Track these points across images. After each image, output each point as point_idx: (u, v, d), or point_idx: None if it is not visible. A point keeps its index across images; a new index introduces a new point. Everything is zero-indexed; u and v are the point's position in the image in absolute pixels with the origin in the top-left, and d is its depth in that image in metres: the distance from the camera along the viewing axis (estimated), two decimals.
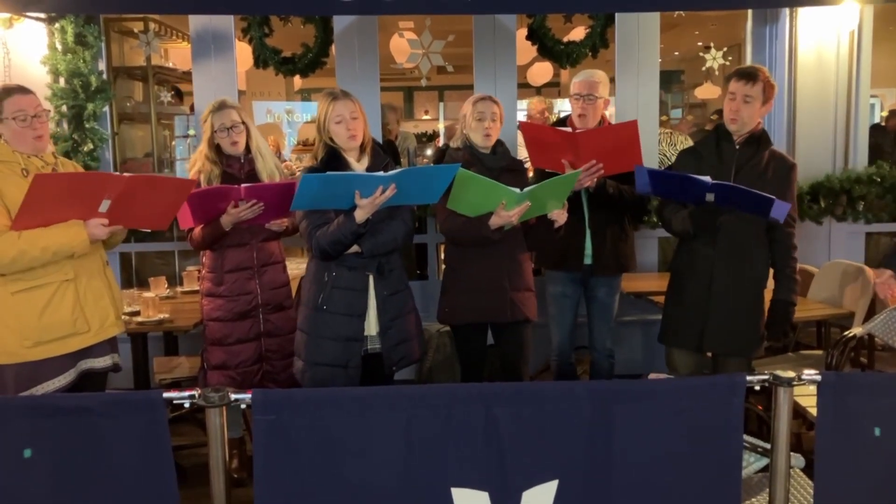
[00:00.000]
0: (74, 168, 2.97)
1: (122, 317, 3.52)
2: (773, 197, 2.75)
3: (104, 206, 2.70)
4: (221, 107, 3.28)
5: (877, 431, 2.00)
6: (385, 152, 3.09)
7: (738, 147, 3.05)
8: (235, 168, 3.30)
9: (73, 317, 2.76)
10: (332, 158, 2.88)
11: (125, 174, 2.71)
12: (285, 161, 7.29)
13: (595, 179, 3.27)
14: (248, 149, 3.33)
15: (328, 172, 2.71)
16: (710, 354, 3.22)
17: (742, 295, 3.05)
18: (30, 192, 2.55)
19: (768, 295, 3.13)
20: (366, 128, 2.93)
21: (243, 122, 3.29)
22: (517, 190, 2.89)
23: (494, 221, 2.98)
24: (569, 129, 3.30)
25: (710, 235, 3.03)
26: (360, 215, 2.74)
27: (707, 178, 2.83)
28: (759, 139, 3.06)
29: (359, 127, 2.87)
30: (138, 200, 2.78)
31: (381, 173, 2.72)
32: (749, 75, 3.01)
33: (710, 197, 2.88)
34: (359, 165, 2.92)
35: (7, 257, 2.59)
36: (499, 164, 3.21)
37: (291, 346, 3.34)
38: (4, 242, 2.59)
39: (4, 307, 2.68)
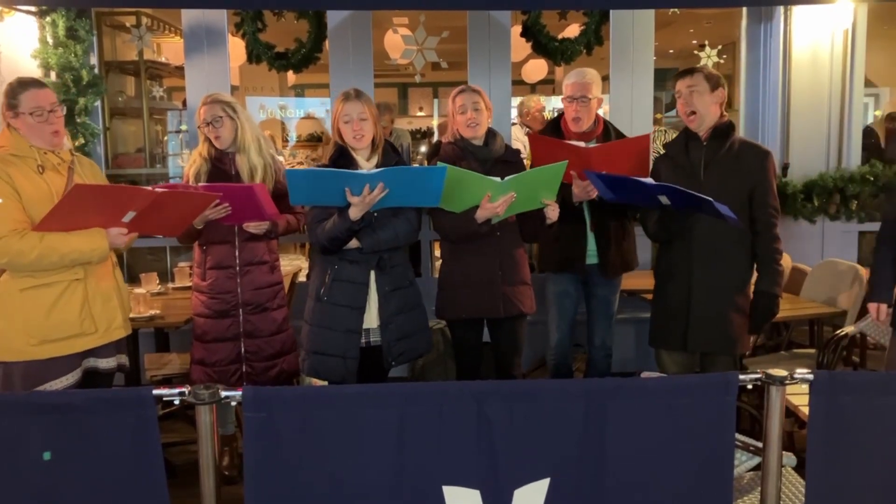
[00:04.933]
0: (91, 166, 2.95)
1: None
2: (710, 198, 2.76)
3: (128, 217, 2.71)
4: (207, 101, 3.25)
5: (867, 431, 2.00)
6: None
7: (704, 143, 3.06)
8: (226, 164, 3.28)
9: (81, 317, 2.74)
10: (340, 156, 2.94)
11: (156, 189, 2.72)
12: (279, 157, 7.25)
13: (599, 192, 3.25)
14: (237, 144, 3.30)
15: (312, 168, 2.74)
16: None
17: (722, 294, 3.05)
18: (65, 199, 2.56)
19: None
20: (377, 128, 2.96)
21: (229, 117, 3.23)
22: (498, 179, 2.89)
23: (480, 214, 2.98)
24: (581, 144, 3.29)
25: (686, 237, 3.04)
26: (354, 213, 2.80)
27: (649, 180, 2.87)
28: (724, 131, 3.05)
29: (366, 128, 2.91)
30: (160, 213, 2.80)
31: (363, 171, 2.75)
32: (686, 71, 3.08)
33: (664, 200, 2.90)
34: (368, 164, 2.96)
35: (27, 259, 2.59)
36: (491, 156, 3.21)
37: (273, 349, 3.35)
38: (26, 243, 2.58)
39: (13, 304, 2.66)
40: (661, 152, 4.72)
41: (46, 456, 1.86)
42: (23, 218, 2.60)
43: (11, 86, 2.72)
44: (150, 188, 2.71)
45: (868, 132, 6.84)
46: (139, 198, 2.69)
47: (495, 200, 2.92)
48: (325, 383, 3.01)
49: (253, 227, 3.20)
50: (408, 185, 2.81)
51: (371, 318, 2.97)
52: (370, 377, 2.99)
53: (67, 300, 2.71)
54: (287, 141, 10.37)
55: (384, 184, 2.74)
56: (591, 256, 3.50)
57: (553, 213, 3.06)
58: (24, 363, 2.68)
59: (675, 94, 3.07)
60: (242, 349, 3.31)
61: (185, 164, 3.45)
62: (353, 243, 2.89)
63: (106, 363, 2.88)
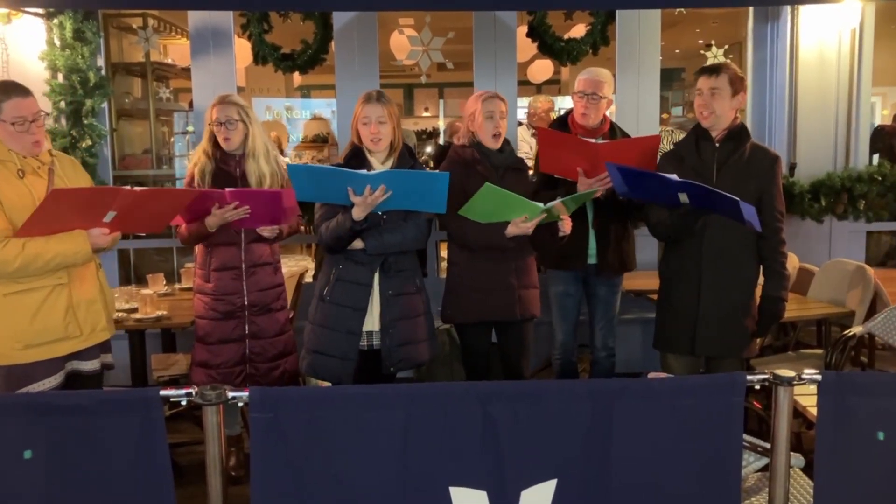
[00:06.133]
0: (72, 164, 2.92)
1: (120, 314, 3.54)
2: (737, 198, 2.71)
3: (108, 216, 2.68)
4: (222, 100, 3.26)
5: (880, 435, 1.99)
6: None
7: (717, 145, 3.03)
8: (231, 165, 3.28)
9: (66, 321, 2.72)
10: (354, 156, 2.95)
11: (135, 188, 2.68)
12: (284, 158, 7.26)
13: (605, 189, 3.25)
14: (245, 148, 3.30)
15: (312, 164, 2.75)
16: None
17: (731, 297, 3.03)
18: (43, 205, 2.53)
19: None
20: (396, 131, 2.95)
21: (242, 121, 3.25)
22: (541, 205, 2.94)
23: (512, 231, 3.01)
24: (591, 140, 3.29)
25: (696, 239, 3.01)
26: (356, 213, 2.79)
27: (674, 176, 2.81)
28: (738, 134, 3.03)
29: (384, 131, 2.91)
30: (141, 211, 2.78)
31: (364, 171, 2.75)
32: (711, 69, 3.02)
33: (683, 198, 2.86)
34: (382, 167, 2.95)
35: (11, 267, 2.56)
36: (505, 163, 3.22)
37: (277, 350, 3.35)
38: (9, 252, 2.55)
39: None
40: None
41: (27, 454, 1.85)
42: (4, 226, 2.57)
43: None
44: (128, 187, 2.67)
45: (879, 133, 6.77)
46: (118, 198, 2.65)
47: (530, 221, 2.96)
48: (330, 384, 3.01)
49: (267, 231, 3.23)
50: (410, 189, 2.80)
51: (373, 321, 2.95)
52: (375, 379, 2.97)
53: (52, 305, 2.69)
54: (287, 142, 10.41)
55: (386, 186, 2.73)
56: (591, 256, 3.51)
57: (567, 226, 3.08)
58: (6, 368, 2.66)
59: (696, 91, 3.02)
60: (247, 350, 3.31)
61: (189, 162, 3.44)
62: (358, 244, 2.89)
63: (90, 365, 2.86)
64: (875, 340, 4.07)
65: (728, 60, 3.02)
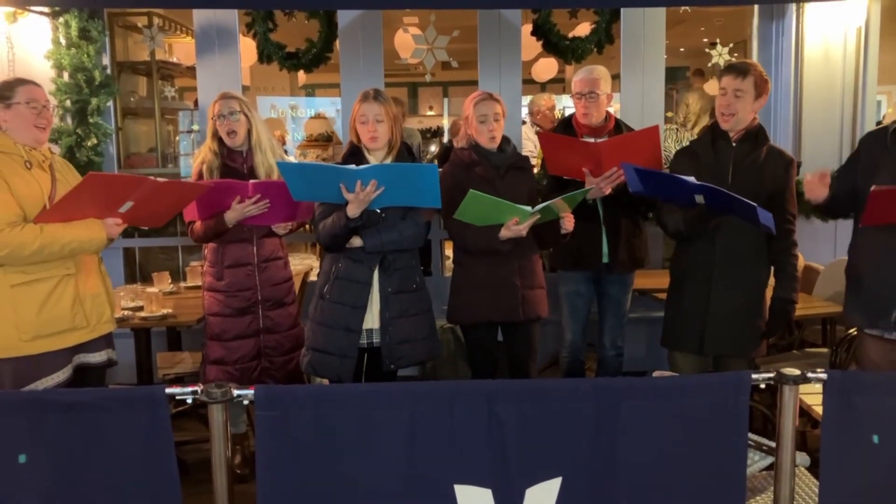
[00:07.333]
0: (67, 165, 2.94)
1: (126, 312, 3.55)
2: (755, 204, 2.69)
3: (125, 207, 2.72)
4: (223, 96, 3.29)
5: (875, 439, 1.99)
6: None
7: (734, 144, 3.02)
8: (238, 162, 3.29)
9: (73, 312, 2.74)
10: (352, 154, 2.95)
11: (158, 179, 2.73)
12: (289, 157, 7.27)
13: (613, 187, 3.23)
14: (249, 143, 3.31)
15: (302, 161, 2.75)
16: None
17: (741, 297, 3.02)
18: (79, 188, 2.58)
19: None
20: (394, 130, 2.95)
21: (244, 114, 3.26)
22: (529, 208, 2.93)
23: (505, 234, 3.00)
24: (591, 140, 3.28)
25: (708, 237, 3.00)
26: (350, 210, 2.79)
27: (692, 178, 2.80)
28: (755, 135, 3.01)
29: (381, 130, 2.91)
30: (155, 203, 2.81)
31: (352, 166, 2.75)
32: (739, 69, 2.97)
33: (699, 199, 2.85)
34: None
35: (29, 250, 2.59)
36: (505, 162, 3.21)
37: (290, 343, 3.36)
38: (27, 235, 2.58)
39: (3, 300, 2.65)
40: (672, 151, 4.69)
41: (21, 458, 1.86)
42: (17, 212, 2.61)
43: (7, 81, 2.76)
44: (152, 178, 2.71)
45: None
46: (142, 188, 2.69)
47: (521, 224, 2.96)
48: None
49: (281, 227, 3.26)
50: (402, 183, 2.78)
51: (373, 319, 2.95)
52: (377, 377, 2.98)
53: (60, 295, 2.71)
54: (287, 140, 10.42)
55: (377, 180, 2.72)
56: (604, 255, 3.49)
57: (570, 223, 3.07)
58: (14, 361, 2.66)
59: (720, 89, 2.99)
60: (262, 345, 3.33)
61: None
62: (357, 242, 2.89)
63: (97, 357, 2.88)
64: None
65: (755, 61, 2.97)
